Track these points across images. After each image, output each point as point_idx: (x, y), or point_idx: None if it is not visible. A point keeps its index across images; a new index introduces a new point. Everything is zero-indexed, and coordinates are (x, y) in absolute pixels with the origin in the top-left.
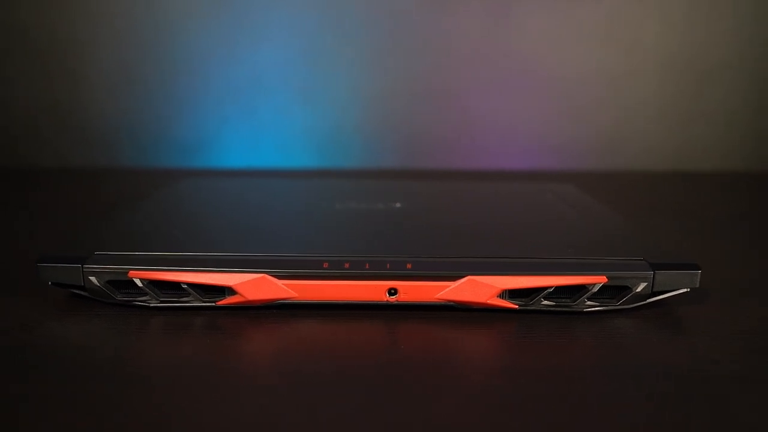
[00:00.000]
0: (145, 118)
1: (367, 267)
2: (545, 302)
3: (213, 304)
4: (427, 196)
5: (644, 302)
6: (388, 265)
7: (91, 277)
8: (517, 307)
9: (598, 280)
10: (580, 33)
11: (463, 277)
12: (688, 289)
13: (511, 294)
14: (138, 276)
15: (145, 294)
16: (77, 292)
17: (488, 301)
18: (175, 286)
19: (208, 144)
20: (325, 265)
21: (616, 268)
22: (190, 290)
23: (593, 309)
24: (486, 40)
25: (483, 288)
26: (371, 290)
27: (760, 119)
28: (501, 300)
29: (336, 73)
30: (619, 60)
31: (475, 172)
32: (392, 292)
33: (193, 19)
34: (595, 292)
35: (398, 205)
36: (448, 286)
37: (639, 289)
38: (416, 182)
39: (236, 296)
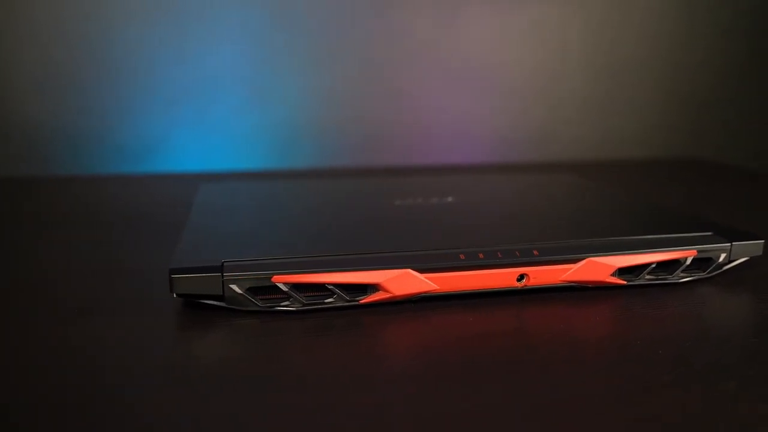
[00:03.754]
0: (82, 123)
1: (499, 256)
2: (648, 277)
3: (356, 302)
4: (465, 191)
5: (721, 270)
6: (517, 253)
7: (231, 285)
8: (625, 283)
9: (690, 254)
10: (516, 35)
11: (584, 259)
12: (749, 258)
13: (620, 272)
14: (282, 280)
15: (287, 298)
16: (210, 302)
17: (605, 279)
18: (316, 287)
19: (154, 148)
20: (462, 256)
21: (702, 242)
22: (336, 290)
23: (685, 279)
24: (434, 41)
25: (601, 268)
26: (503, 277)
27: (669, 110)
28: (614, 278)
29: (288, 73)
30: (549, 59)
31: (429, 168)
32: (521, 277)
33: (135, 15)
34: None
35: (450, 199)
36: (571, 269)
37: (720, 260)
38: (421, 178)
39: (380, 293)
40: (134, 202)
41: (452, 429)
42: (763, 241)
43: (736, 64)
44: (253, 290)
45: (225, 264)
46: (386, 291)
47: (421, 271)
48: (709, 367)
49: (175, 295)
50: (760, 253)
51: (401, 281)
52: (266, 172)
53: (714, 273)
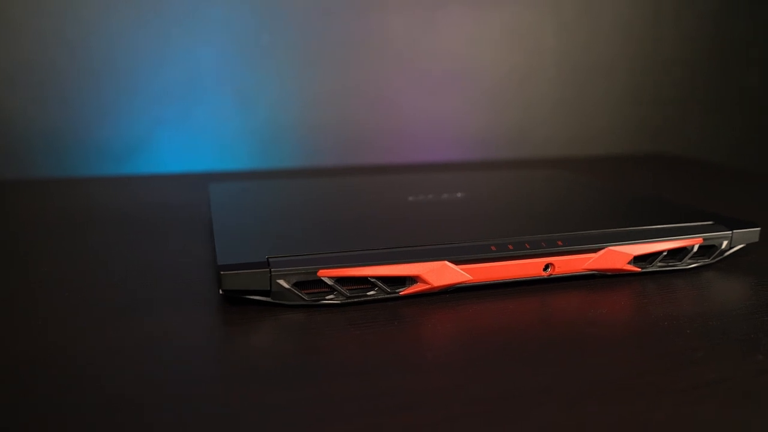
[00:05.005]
0: (61, 123)
1: (527, 246)
2: (659, 264)
3: (396, 294)
4: (470, 187)
5: (723, 256)
6: (543, 244)
7: (279, 280)
8: (640, 270)
9: (697, 241)
10: (491, 37)
11: (604, 248)
12: (745, 244)
13: (635, 260)
14: (328, 274)
15: (332, 292)
16: (256, 297)
17: (623, 267)
18: (359, 281)
19: (137, 149)
20: (493, 248)
21: (707, 230)
22: (378, 283)
23: (693, 266)
24: (412, 43)
25: (619, 256)
26: (531, 267)
27: (637, 108)
28: (630, 265)
29: (271, 73)
30: (523, 59)
31: (409, 166)
32: (546, 267)
33: (116, 13)
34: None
35: (459, 195)
36: (591, 258)
37: (723, 246)
38: (416, 175)
39: (419, 284)
40: (116, 204)
41: (502, 409)
42: (759, 228)
43: (699, 65)
44: (298, 285)
45: (270, 260)
46: (425, 282)
47: (457, 262)
48: (740, 342)
49: (221, 292)
50: (757, 239)
51: (439, 273)
52: (249, 172)
53: (717, 259)
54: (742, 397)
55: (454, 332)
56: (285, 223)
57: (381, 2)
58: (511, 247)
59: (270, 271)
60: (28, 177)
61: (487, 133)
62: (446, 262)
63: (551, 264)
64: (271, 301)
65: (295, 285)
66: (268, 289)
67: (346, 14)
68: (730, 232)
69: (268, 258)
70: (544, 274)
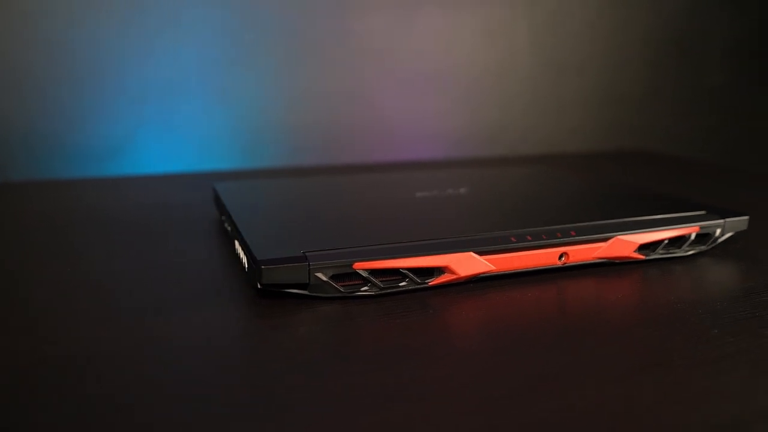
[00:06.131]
0: (40, 125)
1: (544, 237)
2: (661, 251)
3: (426, 284)
4: (470, 183)
5: (716, 243)
6: (558, 234)
7: (317, 273)
8: (644, 257)
9: (694, 230)
10: (467, 37)
11: (613, 237)
12: (734, 233)
13: (639, 248)
14: (363, 267)
15: (366, 283)
16: (294, 291)
17: (629, 255)
18: (391, 272)
19: (119, 151)
20: (513, 239)
21: (702, 219)
22: (409, 274)
23: (690, 252)
24: (390, 43)
25: (627, 245)
26: (548, 256)
27: (608, 106)
28: (635, 253)
29: (252, 73)
30: (498, 59)
31: (391, 164)
32: (561, 256)
33: (98, 12)
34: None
35: (462, 190)
36: (602, 246)
37: (716, 234)
38: (413, 173)
39: (447, 275)
40: (101, 206)
41: (533, 394)
42: (747, 217)
43: (667, 62)
44: (334, 277)
45: (307, 254)
46: (452, 273)
47: (482, 253)
48: (745, 320)
49: (259, 285)
50: (746, 228)
51: (465, 263)
52: (232, 171)
53: (711, 246)
54: (761, 365)
55: (482, 320)
56: (312, 219)
57: (360, 2)
58: (529, 237)
59: (309, 265)
60: (8, 180)
61: (465, 131)
62: (472, 253)
63: (565, 253)
64: (309, 294)
65: (332, 278)
66: (307, 282)
67: (327, 13)
68: (723, 220)
69: (304, 252)
70: (559, 263)
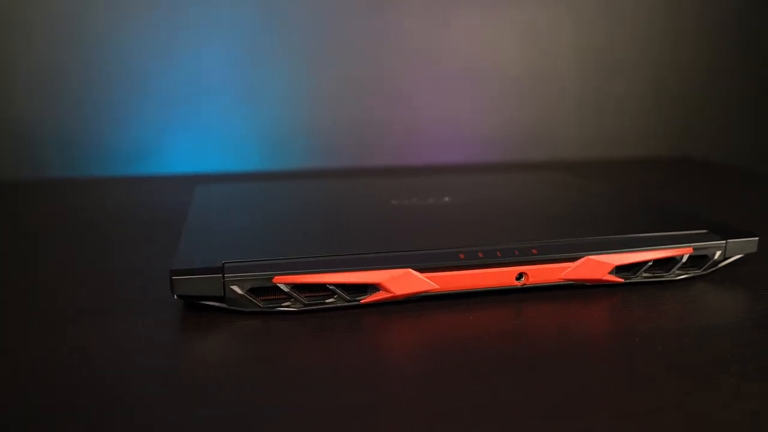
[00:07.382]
0: (73, 125)
1: (498, 255)
2: (645, 274)
3: (356, 302)
4: (461, 190)
5: (716, 267)
6: (516, 252)
7: (233, 286)
8: (623, 281)
9: (686, 251)
10: (507, 35)
11: (582, 257)
12: (743, 255)
13: (617, 269)
14: (284, 281)
15: (288, 299)
16: (211, 303)
17: (602, 278)
18: (317, 288)
19: (147, 151)
20: (461, 256)
21: (697, 239)
22: (337, 290)
23: (682, 277)
24: (426, 41)
25: (599, 266)
26: (503, 276)
27: (659, 110)
28: (611, 275)
29: (281, 73)
30: (540, 59)
31: (421, 168)
32: (519, 276)
33: (127, 17)
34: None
35: (447, 199)
36: (569, 267)
37: (716, 257)
38: (414, 178)
39: (380, 293)
40: (129, 205)
41: (452, 427)
42: (757, 238)
43: (724, 65)
44: (254, 291)
45: (226, 265)
46: (387, 291)
47: (422, 270)
48: (707, 364)
49: (175, 297)
50: (755, 250)
51: (402, 281)
52: (258, 173)
53: (709, 270)
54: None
55: (413, 343)
56: (252, 227)
57: (393, 1)
58: (481, 254)
59: (223, 277)
60: (45, 178)
61: (504, 134)
62: (410, 270)
63: (525, 273)
64: (227, 307)
65: (251, 291)
66: (222, 295)
67: (357, 12)
68: (724, 241)
69: (224, 263)
70: (518, 284)
